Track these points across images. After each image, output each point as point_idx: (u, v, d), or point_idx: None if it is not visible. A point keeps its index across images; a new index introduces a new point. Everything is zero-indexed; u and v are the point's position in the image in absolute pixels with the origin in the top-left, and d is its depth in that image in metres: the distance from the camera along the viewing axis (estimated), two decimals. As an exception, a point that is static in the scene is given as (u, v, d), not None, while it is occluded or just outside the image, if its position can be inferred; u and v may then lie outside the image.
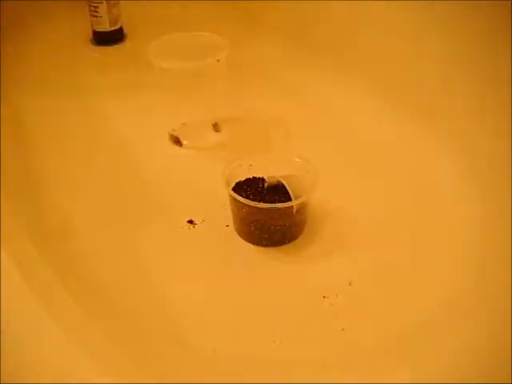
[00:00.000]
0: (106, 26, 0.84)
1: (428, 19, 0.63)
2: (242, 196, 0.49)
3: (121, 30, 0.86)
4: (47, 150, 0.63)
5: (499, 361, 0.37)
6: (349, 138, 0.64)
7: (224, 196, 0.52)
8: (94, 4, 0.82)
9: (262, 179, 0.53)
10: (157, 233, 0.53)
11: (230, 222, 0.53)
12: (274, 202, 0.50)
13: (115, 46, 0.85)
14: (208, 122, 0.65)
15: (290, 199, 0.49)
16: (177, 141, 0.64)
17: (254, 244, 0.51)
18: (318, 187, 0.50)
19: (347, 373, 0.40)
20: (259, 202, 0.49)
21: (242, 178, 0.53)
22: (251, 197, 0.51)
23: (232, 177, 0.52)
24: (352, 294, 0.47)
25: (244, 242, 0.52)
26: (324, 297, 0.46)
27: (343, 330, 0.44)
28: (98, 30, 0.84)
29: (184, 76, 0.60)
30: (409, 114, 0.64)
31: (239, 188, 0.52)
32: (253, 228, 0.50)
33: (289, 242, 0.52)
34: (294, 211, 0.49)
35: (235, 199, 0.50)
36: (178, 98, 0.63)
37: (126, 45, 0.86)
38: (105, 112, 0.70)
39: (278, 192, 0.51)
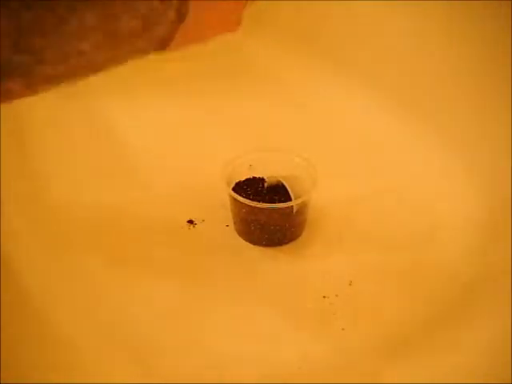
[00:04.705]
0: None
1: (429, 19, 0.62)
2: (242, 196, 0.49)
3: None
4: (47, 149, 0.63)
5: (499, 361, 0.37)
6: (349, 137, 0.64)
7: (224, 196, 0.52)
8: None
9: (262, 179, 0.53)
10: (157, 233, 0.53)
11: (230, 221, 0.53)
12: (274, 202, 0.50)
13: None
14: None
15: (289, 199, 0.49)
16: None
17: (253, 244, 0.51)
18: (318, 187, 0.50)
19: (347, 373, 0.40)
20: (259, 202, 0.49)
21: (242, 178, 0.54)
22: (251, 197, 0.51)
23: (232, 177, 0.52)
24: (352, 294, 0.47)
25: (244, 241, 0.52)
26: (324, 297, 0.46)
27: (343, 329, 0.44)
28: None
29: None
30: (409, 114, 0.64)
31: (239, 188, 0.52)
32: (253, 228, 0.50)
33: (289, 242, 0.52)
34: (294, 211, 0.49)
35: (235, 199, 0.50)
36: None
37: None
38: (105, 111, 0.70)
39: (278, 192, 0.51)
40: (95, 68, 0.31)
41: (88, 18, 0.27)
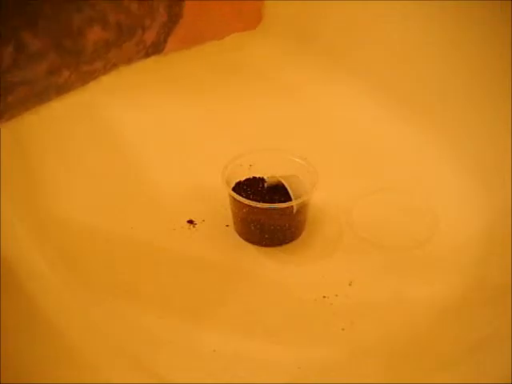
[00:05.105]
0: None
1: (429, 19, 0.62)
2: (242, 196, 0.49)
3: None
4: (48, 149, 0.63)
5: (499, 361, 0.37)
6: (349, 137, 0.64)
7: (224, 196, 0.52)
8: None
9: (262, 179, 0.54)
10: (157, 233, 0.53)
11: (230, 221, 0.53)
12: (274, 202, 0.50)
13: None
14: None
15: (290, 199, 0.49)
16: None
17: (253, 244, 0.51)
18: (318, 187, 0.50)
19: (347, 373, 0.40)
20: (259, 202, 0.49)
21: (242, 178, 0.54)
22: (251, 197, 0.51)
23: (232, 177, 0.52)
24: (352, 294, 0.47)
25: (244, 241, 0.52)
26: (324, 297, 0.46)
27: (343, 330, 0.44)
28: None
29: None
30: (409, 114, 0.64)
31: (239, 188, 0.52)
32: (253, 228, 0.50)
33: (289, 242, 0.52)
34: (294, 211, 0.49)
35: (235, 199, 0.50)
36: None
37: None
38: (105, 111, 0.70)
39: (278, 192, 0.51)
40: (61, 90, 0.26)
41: (31, 43, 0.21)
